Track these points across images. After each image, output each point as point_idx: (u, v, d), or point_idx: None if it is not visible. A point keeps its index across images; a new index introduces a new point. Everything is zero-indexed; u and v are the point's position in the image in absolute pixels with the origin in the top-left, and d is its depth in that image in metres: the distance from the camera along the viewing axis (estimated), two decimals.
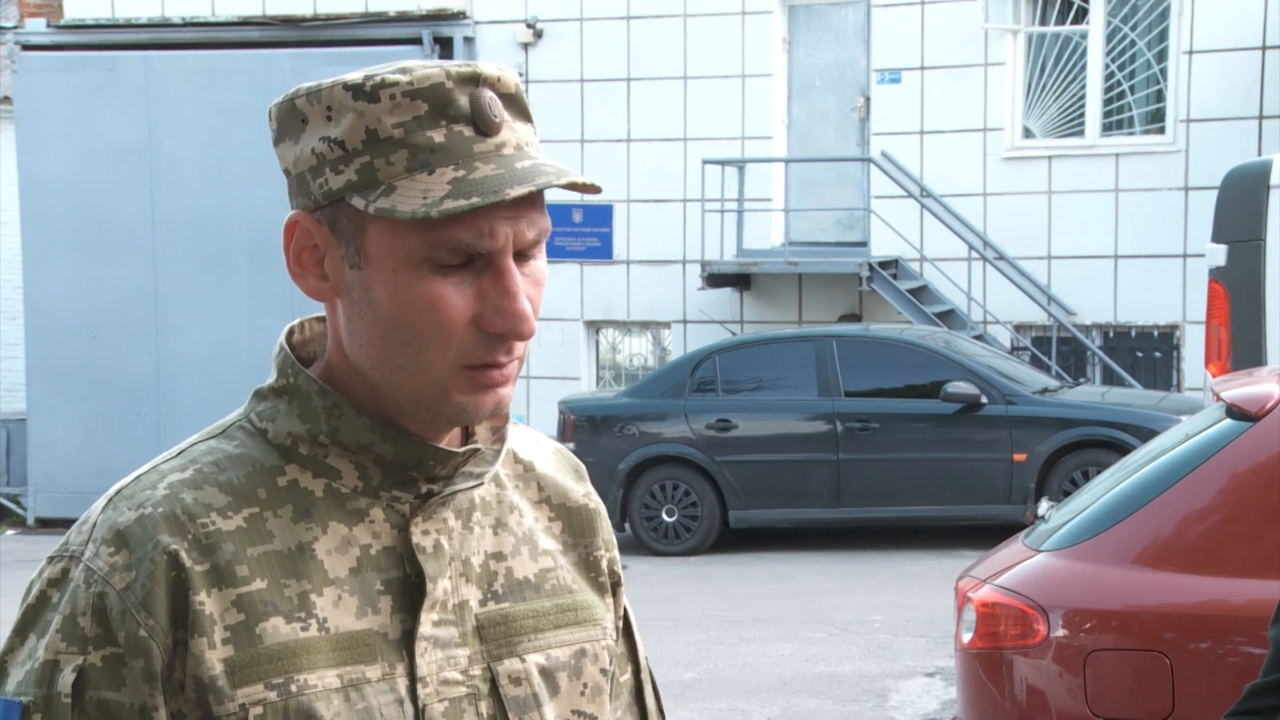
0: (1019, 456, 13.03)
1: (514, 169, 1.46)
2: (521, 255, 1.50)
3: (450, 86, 1.48)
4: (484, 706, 1.55)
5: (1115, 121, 15.89)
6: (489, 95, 1.49)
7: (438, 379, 1.49)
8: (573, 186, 1.48)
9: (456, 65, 1.49)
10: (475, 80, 1.49)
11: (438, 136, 1.47)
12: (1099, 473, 6.65)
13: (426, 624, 1.53)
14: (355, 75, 1.50)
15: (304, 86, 1.52)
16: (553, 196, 1.54)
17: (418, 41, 17.02)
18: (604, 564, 1.70)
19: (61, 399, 17.70)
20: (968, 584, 5.17)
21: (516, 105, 1.52)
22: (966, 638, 5.01)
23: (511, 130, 1.50)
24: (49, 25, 18.28)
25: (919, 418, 13.39)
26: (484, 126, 1.48)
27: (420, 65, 1.49)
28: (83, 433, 17.55)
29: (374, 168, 1.47)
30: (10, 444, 18.89)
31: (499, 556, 1.60)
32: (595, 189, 1.49)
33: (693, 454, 13.83)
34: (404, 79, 1.47)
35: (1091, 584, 4.81)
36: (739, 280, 16.52)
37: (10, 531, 17.85)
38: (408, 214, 1.44)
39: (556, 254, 16.65)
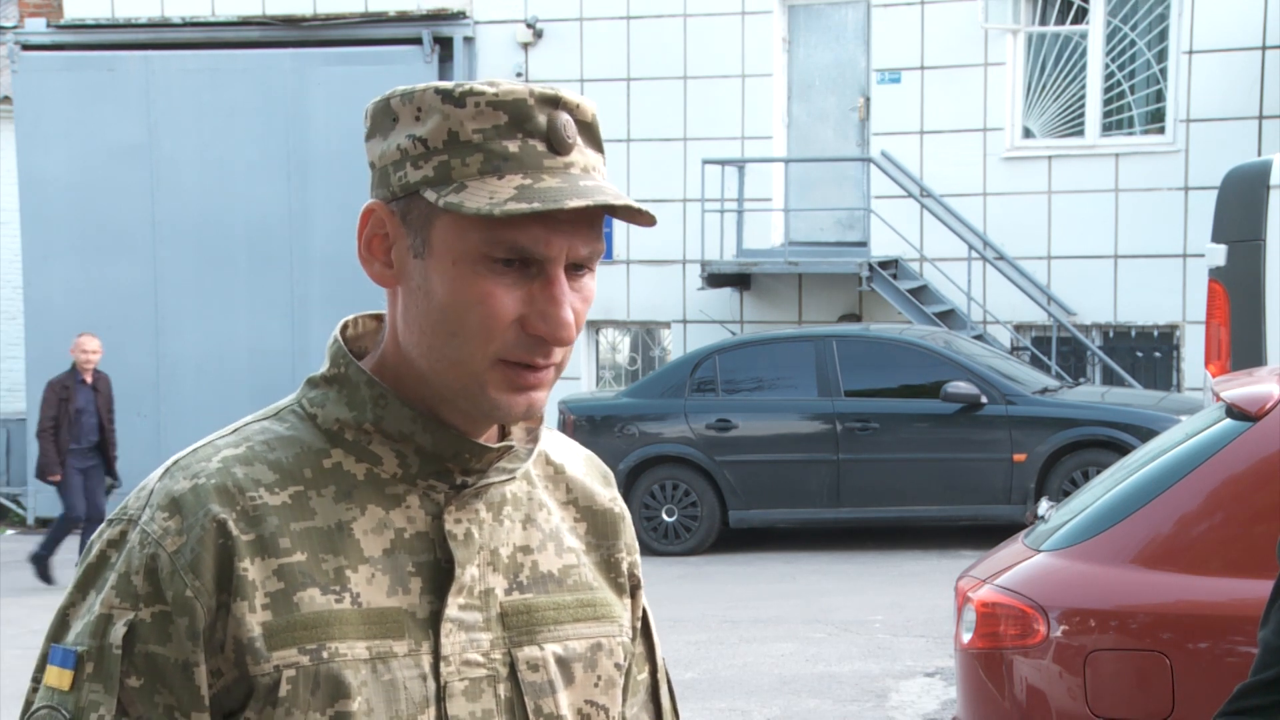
0: (1019, 456, 13.03)
1: (578, 185, 1.57)
2: (573, 271, 1.59)
3: (531, 104, 1.58)
4: (502, 689, 1.64)
5: (1115, 121, 15.89)
6: (565, 118, 1.59)
7: (476, 371, 1.58)
8: (628, 212, 1.57)
9: (542, 87, 1.60)
10: (555, 103, 1.59)
11: (512, 146, 1.57)
12: (1099, 473, 6.65)
13: (453, 607, 1.61)
14: (448, 83, 1.60)
15: (400, 89, 1.62)
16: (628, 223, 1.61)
17: (417, 41, 17.02)
18: (624, 566, 1.78)
19: None
20: (968, 584, 5.17)
21: (590, 134, 1.63)
22: (966, 638, 5.01)
23: (582, 154, 1.61)
24: (49, 25, 18.28)
25: (919, 418, 13.39)
26: (557, 145, 1.58)
27: (508, 82, 1.60)
28: None
29: (450, 166, 1.57)
30: (10, 444, 18.90)
31: (526, 550, 1.69)
32: (650, 219, 1.58)
33: (693, 454, 13.83)
34: (490, 90, 1.58)
35: (1091, 584, 4.81)
36: (739, 280, 16.53)
37: (10, 531, 17.86)
38: (473, 210, 1.53)
39: None
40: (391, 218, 1.60)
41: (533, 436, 1.70)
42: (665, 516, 13.90)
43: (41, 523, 17.78)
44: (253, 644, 1.54)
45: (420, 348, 1.60)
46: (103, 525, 1.62)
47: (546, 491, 1.74)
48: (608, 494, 1.79)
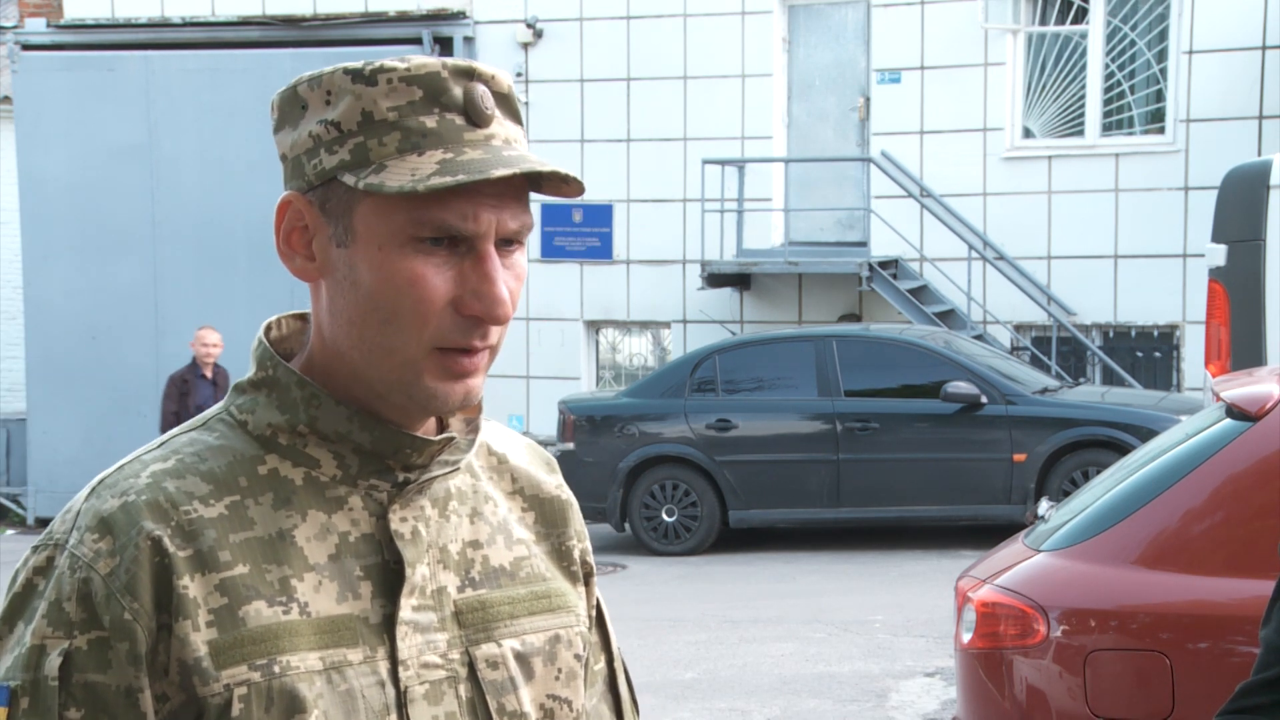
0: (1019, 456, 13.03)
1: (501, 156, 1.51)
2: (503, 247, 1.54)
3: (446, 76, 1.53)
4: (463, 689, 1.58)
5: (1115, 121, 15.89)
6: (482, 89, 1.54)
7: (412, 359, 1.52)
8: (555, 181, 1.52)
9: (454, 60, 1.55)
10: (470, 74, 1.54)
11: (430, 122, 1.51)
12: (1099, 473, 6.65)
13: (406, 609, 1.56)
14: (356, 62, 1.55)
15: (306, 75, 1.57)
16: (554, 197, 1.56)
17: (418, 41, 17.02)
18: (576, 554, 1.73)
19: (61, 399, 17.69)
20: (968, 584, 5.17)
21: (508, 105, 1.56)
22: (966, 638, 5.01)
23: (501, 125, 1.55)
24: (49, 25, 18.28)
25: (919, 418, 13.39)
26: (475, 117, 1.53)
27: (419, 56, 1.55)
28: (83, 433, 17.55)
29: (367, 148, 1.51)
30: (10, 444, 18.89)
31: (475, 544, 1.64)
32: (579, 187, 1.53)
33: (693, 454, 13.83)
34: (402, 66, 1.52)
35: (1091, 584, 4.81)
36: (739, 280, 16.52)
37: (10, 531, 17.85)
38: (395, 189, 1.47)
39: (556, 254, 16.64)
40: (310, 208, 1.54)
41: (473, 427, 1.65)
42: (665, 516, 13.90)
43: (41, 523, 17.79)
44: (199, 664, 1.47)
45: (351, 340, 1.54)
46: (27, 553, 1.54)
47: (491, 483, 1.68)
48: (553, 481, 1.74)
